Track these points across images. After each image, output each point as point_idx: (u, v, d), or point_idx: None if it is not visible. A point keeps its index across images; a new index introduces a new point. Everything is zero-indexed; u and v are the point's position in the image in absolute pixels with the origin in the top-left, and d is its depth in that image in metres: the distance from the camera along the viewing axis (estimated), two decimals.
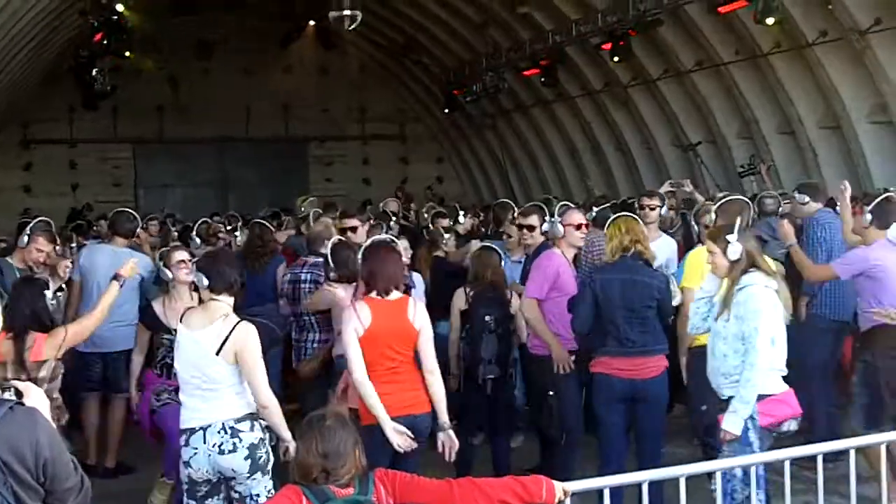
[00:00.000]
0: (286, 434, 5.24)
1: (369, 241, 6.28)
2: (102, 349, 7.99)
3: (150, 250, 9.89)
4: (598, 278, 6.46)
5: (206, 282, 5.37)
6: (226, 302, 5.38)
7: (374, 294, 5.79)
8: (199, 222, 11.31)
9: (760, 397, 5.30)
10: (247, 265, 9.00)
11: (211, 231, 11.36)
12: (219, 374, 5.26)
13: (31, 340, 5.82)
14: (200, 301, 5.79)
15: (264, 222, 9.87)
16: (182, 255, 6.82)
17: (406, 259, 8.57)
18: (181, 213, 18.57)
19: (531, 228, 7.94)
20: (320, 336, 7.55)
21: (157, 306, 6.74)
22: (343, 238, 7.72)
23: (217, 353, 5.22)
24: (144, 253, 9.12)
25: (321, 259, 7.75)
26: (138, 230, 9.17)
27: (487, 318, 7.38)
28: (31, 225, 8.15)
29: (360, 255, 6.10)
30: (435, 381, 5.79)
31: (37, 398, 3.32)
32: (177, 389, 6.30)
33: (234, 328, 5.24)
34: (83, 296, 8.35)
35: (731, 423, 5.29)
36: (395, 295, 5.82)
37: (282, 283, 7.90)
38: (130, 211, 9.00)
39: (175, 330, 6.33)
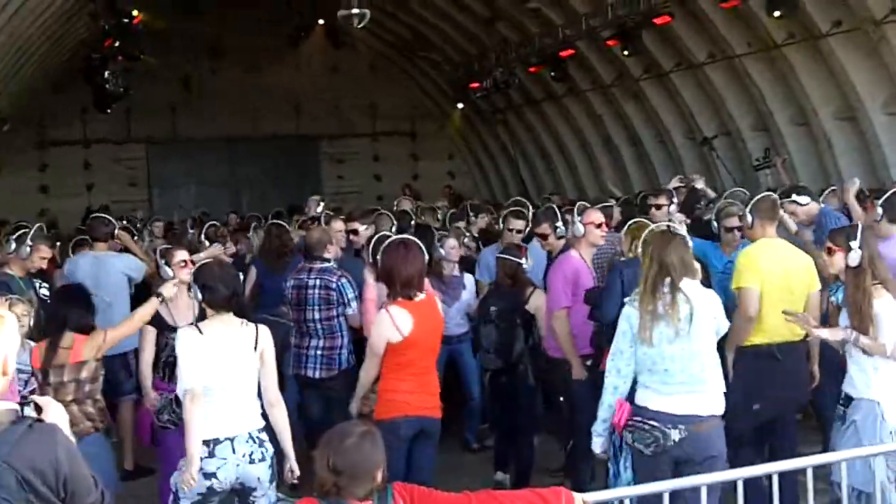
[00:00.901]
0: (288, 443, 5.22)
1: (387, 241, 6.14)
2: None
3: (145, 253, 9.97)
4: (626, 271, 6.34)
5: (200, 296, 5.37)
6: (228, 315, 5.34)
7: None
8: (208, 225, 11.37)
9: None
10: (266, 266, 8.99)
11: (219, 233, 11.44)
12: (250, 376, 5.26)
13: (68, 342, 5.93)
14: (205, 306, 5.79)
15: (281, 223, 9.85)
16: (183, 254, 6.79)
17: (455, 258, 8.46)
18: (195, 212, 18.58)
19: (544, 237, 7.97)
20: (324, 343, 7.49)
21: (160, 307, 6.70)
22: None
23: (255, 350, 5.25)
24: (133, 254, 9.20)
25: (328, 264, 7.66)
26: (117, 231, 9.31)
27: (492, 308, 7.40)
28: (30, 234, 8.20)
29: (372, 255, 6.07)
30: None
31: (56, 414, 3.31)
32: (177, 399, 6.26)
33: (258, 329, 5.31)
34: None
35: (594, 443, 5.35)
36: (420, 295, 5.76)
37: (286, 288, 7.75)
38: (105, 216, 9.29)
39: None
